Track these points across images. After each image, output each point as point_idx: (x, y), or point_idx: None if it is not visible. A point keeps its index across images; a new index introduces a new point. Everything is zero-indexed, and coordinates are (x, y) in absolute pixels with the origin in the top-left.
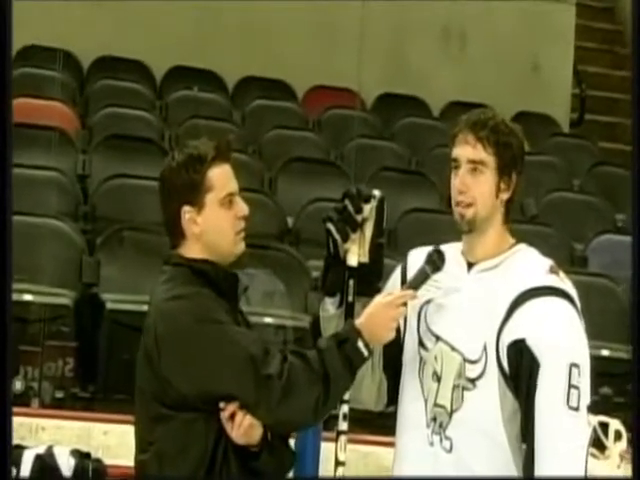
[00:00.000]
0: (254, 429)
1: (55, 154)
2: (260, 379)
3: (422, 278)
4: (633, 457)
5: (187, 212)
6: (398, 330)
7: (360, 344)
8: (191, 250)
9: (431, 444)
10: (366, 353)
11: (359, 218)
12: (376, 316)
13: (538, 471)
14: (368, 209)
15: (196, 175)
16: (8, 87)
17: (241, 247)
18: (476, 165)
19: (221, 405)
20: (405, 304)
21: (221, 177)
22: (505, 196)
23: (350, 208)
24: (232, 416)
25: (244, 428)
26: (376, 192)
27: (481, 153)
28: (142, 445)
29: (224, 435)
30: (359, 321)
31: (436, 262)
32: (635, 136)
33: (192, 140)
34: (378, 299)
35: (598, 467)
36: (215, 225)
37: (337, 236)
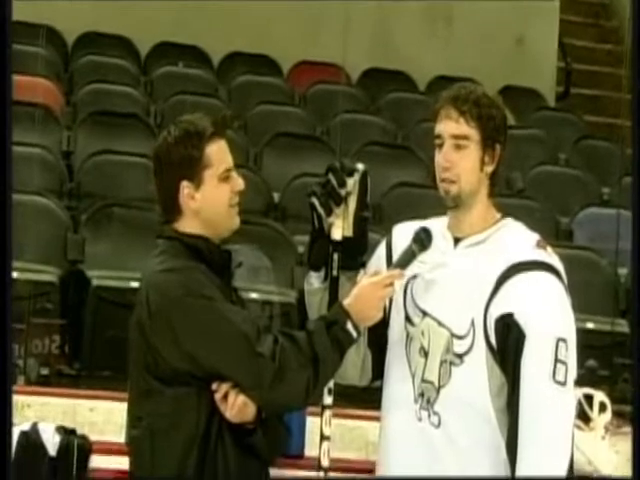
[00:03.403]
0: (248, 407)
1: (39, 131)
2: (252, 356)
3: (409, 257)
4: (633, 457)
5: (185, 187)
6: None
7: (349, 326)
8: (187, 225)
9: (419, 419)
10: (355, 334)
11: (342, 192)
12: (364, 297)
13: (521, 444)
14: (351, 183)
15: (194, 151)
16: (8, 66)
17: (237, 222)
18: (460, 140)
19: (213, 387)
20: (392, 284)
21: (219, 153)
22: (490, 169)
23: (333, 182)
24: (225, 396)
25: (238, 407)
26: (359, 165)
27: (464, 127)
28: (133, 420)
29: (217, 412)
30: (347, 302)
31: (423, 241)
32: (635, 115)
33: (179, 116)
34: (365, 280)
35: (583, 439)
36: (213, 200)
37: (321, 210)
